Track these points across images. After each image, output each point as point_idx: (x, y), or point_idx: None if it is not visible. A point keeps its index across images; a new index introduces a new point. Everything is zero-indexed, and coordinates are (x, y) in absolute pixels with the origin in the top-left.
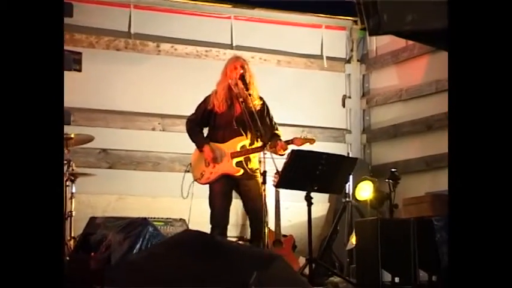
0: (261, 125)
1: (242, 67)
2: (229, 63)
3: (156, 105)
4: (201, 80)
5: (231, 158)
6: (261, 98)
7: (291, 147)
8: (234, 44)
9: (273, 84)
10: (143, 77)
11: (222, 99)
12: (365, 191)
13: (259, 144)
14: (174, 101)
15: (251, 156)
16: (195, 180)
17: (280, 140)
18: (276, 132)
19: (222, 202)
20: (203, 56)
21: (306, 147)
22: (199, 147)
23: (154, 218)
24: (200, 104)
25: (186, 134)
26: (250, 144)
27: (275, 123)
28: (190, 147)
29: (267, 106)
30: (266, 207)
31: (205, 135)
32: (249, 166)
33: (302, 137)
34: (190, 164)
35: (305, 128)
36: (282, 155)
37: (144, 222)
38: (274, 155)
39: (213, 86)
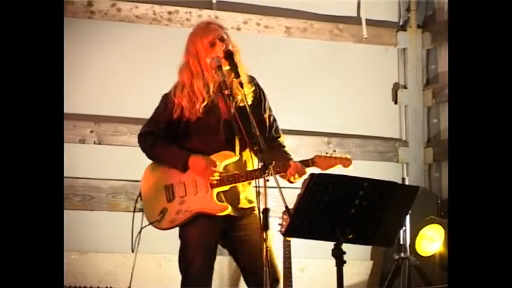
0: (256, 126)
1: (221, 38)
2: (196, 35)
3: (87, 103)
4: (161, 60)
5: (211, 186)
6: (251, 80)
7: (311, 171)
8: (214, 1)
9: (278, 66)
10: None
11: (197, 98)
12: (432, 241)
13: (254, 162)
14: (118, 95)
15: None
16: (151, 223)
17: (289, 156)
18: (276, 136)
19: (203, 259)
20: (164, 21)
21: (336, 170)
22: (179, 164)
23: None
24: (157, 110)
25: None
26: (239, 165)
27: (274, 122)
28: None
29: (263, 94)
30: (270, 267)
31: None
32: (242, 198)
33: (330, 155)
34: (140, 195)
35: (332, 138)
36: (293, 182)
37: None
38: (280, 180)
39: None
